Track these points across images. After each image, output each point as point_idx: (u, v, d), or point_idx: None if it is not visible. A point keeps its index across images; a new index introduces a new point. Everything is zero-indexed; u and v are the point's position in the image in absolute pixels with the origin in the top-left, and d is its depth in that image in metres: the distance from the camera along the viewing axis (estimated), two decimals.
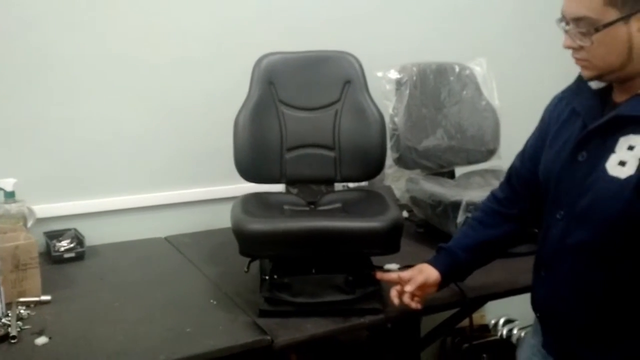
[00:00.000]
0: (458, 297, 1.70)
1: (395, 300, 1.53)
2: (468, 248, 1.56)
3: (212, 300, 1.67)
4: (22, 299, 1.62)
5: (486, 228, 1.56)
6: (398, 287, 1.53)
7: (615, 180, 1.22)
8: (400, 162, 2.22)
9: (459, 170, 2.36)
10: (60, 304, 1.63)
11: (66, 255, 1.92)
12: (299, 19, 2.31)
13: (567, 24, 1.26)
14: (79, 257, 1.94)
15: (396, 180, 2.24)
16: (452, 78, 2.30)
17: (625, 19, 1.19)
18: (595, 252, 1.28)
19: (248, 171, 1.87)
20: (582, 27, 1.22)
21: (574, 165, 1.31)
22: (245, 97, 1.89)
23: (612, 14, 1.19)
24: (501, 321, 2.83)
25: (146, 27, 2.11)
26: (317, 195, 1.89)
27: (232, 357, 1.46)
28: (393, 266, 1.83)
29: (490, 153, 2.35)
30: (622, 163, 1.22)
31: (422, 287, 1.52)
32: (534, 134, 1.52)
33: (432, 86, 2.27)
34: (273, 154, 1.87)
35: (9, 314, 1.53)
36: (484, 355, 2.61)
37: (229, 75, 2.15)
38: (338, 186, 1.99)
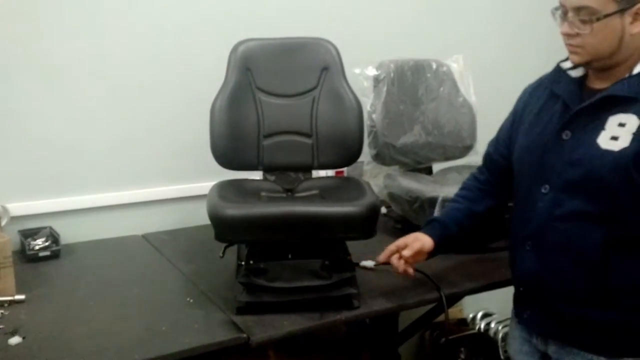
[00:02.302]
0: (434, 293, 1.71)
1: (399, 265, 1.62)
2: (458, 221, 1.67)
3: (188, 298, 1.66)
4: None
5: (471, 202, 1.69)
6: (396, 255, 1.63)
7: (608, 153, 1.36)
8: (378, 158, 2.23)
9: (437, 167, 2.38)
10: (35, 304, 1.62)
11: (41, 254, 1.90)
12: (278, 10, 2.29)
13: (566, 13, 1.38)
14: (54, 255, 1.92)
15: (374, 177, 2.25)
16: (429, 75, 2.31)
17: (621, 11, 1.33)
18: (592, 217, 1.39)
19: (225, 158, 1.85)
20: (583, 15, 1.35)
21: (559, 143, 1.44)
22: (222, 83, 1.88)
23: (612, 6, 1.33)
24: (479, 315, 2.86)
25: (120, 23, 2.09)
26: (294, 183, 1.88)
27: (208, 355, 1.45)
28: (369, 263, 1.84)
29: (467, 149, 2.37)
30: (614, 138, 1.36)
31: (417, 254, 1.63)
32: (507, 122, 1.66)
33: (409, 83, 2.28)
34: (250, 141, 1.86)
35: None
36: (462, 349, 2.63)
37: (204, 72, 2.13)
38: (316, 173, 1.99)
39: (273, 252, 1.59)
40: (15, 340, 1.43)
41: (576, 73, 1.48)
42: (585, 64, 1.43)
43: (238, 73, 1.88)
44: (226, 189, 1.70)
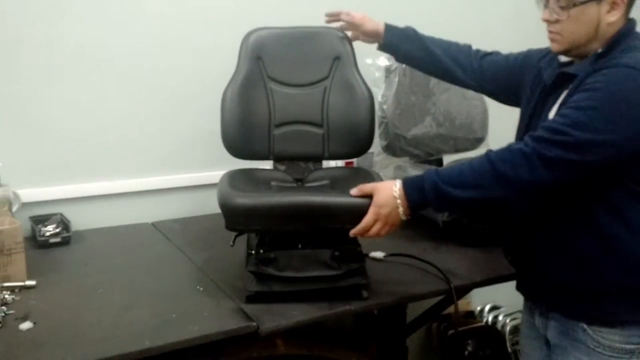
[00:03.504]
0: (443, 285, 1.71)
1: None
2: (421, 38, 1.80)
3: (198, 287, 1.67)
4: (6, 284, 1.61)
5: (443, 45, 1.80)
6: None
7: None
8: (389, 149, 2.22)
9: (447, 158, 2.36)
10: (45, 289, 1.63)
11: (52, 240, 1.91)
12: (286, 4, 2.28)
13: (547, 0, 1.44)
14: (65, 242, 1.93)
15: (384, 168, 2.25)
16: None
17: (598, 0, 1.38)
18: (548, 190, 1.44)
19: (235, 147, 1.85)
20: (562, 2, 1.41)
21: (533, 123, 1.52)
22: (233, 72, 1.87)
23: None
24: (487, 308, 2.86)
25: (130, 9, 2.08)
26: (304, 172, 1.88)
27: (218, 342, 1.46)
28: (378, 254, 1.84)
29: (478, 141, 2.35)
30: (558, 108, 1.43)
31: (359, 21, 1.81)
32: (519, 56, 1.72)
33: (421, 74, 2.25)
34: (261, 130, 1.86)
35: None
36: (470, 342, 2.63)
37: (216, 59, 2.12)
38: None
39: (283, 241, 1.59)
40: (26, 325, 1.44)
41: (564, 58, 1.52)
42: (564, 52, 1.48)
43: (249, 62, 1.87)
44: (237, 178, 1.70)
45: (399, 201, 1.45)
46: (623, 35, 1.42)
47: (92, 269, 1.78)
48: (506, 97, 1.75)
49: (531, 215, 1.51)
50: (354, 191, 1.51)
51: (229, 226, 1.58)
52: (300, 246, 1.59)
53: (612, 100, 1.33)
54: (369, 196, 1.48)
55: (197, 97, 2.18)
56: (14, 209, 1.92)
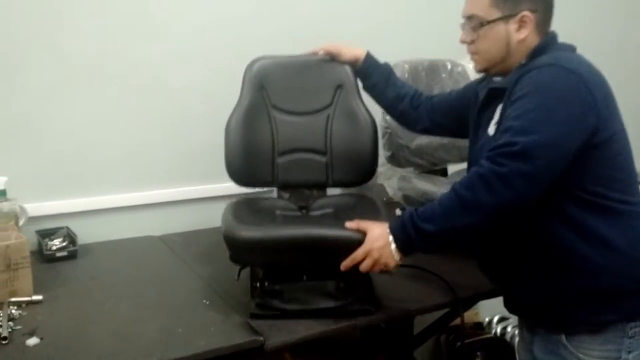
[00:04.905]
0: (450, 297, 1.70)
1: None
2: (385, 72, 1.89)
3: (204, 300, 1.66)
4: (13, 299, 1.61)
5: (399, 87, 1.89)
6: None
7: (489, 137, 1.48)
8: (393, 160, 2.22)
9: (452, 168, 2.35)
10: (52, 304, 1.63)
11: (58, 254, 1.92)
12: (292, 17, 2.31)
13: (464, 23, 1.55)
14: (71, 256, 1.93)
15: (388, 179, 2.24)
16: (444, 75, 2.30)
17: (504, 19, 1.48)
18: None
19: (240, 175, 1.87)
20: (472, 23, 1.52)
21: (475, 142, 1.58)
22: (237, 100, 1.88)
23: (495, 14, 1.48)
24: (495, 319, 2.84)
25: (140, 24, 2.10)
26: (308, 200, 1.89)
27: (224, 357, 1.46)
28: None
29: None
30: (495, 123, 1.48)
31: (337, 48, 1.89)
32: (460, 93, 1.80)
33: (424, 83, 2.26)
34: (265, 159, 1.87)
35: (0, 315, 1.53)
36: (478, 353, 2.61)
37: (222, 74, 2.14)
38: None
39: (288, 273, 1.58)
40: (33, 341, 1.44)
41: (498, 78, 1.57)
42: (485, 71, 1.57)
43: (253, 91, 1.88)
44: (241, 209, 1.70)
45: (391, 238, 1.45)
46: (543, 46, 1.47)
47: (99, 282, 1.78)
48: (458, 128, 1.77)
49: (494, 233, 1.49)
50: (349, 224, 1.52)
51: (234, 259, 1.59)
52: (305, 278, 1.58)
53: (542, 99, 1.35)
54: (364, 232, 1.49)
55: (203, 110, 2.19)
56: (21, 222, 1.93)
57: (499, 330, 2.80)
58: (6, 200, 1.89)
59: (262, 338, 1.47)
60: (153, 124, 2.17)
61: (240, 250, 1.56)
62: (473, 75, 2.31)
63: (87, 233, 2.06)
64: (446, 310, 2.06)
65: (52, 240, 1.97)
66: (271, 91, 1.89)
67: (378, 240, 1.46)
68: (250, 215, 1.67)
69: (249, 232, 1.54)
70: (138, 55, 2.11)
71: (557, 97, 1.35)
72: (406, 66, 2.23)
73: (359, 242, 1.48)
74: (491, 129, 1.50)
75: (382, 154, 2.19)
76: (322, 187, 1.90)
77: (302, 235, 1.54)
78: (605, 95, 1.40)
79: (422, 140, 2.23)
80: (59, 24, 1.99)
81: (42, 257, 1.91)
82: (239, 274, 1.63)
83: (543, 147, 1.31)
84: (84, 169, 2.09)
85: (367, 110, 1.90)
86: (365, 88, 1.92)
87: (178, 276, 1.85)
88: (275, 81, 1.90)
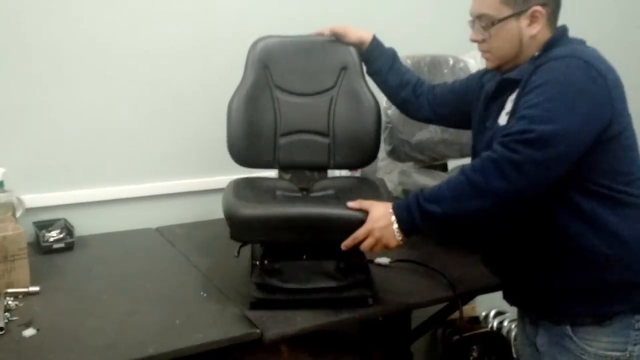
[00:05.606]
0: (448, 291, 1.70)
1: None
2: (390, 58, 1.87)
3: (202, 293, 1.66)
4: (10, 290, 1.61)
5: (403, 74, 1.87)
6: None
7: (501, 127, 1.47)
8: (393, 154, 2.21)
9: (452, 163, 2.35)
10: (49, 295, 1.62)
11: (55, 246, 1.91)
12: (294, 9, 2.30)
13: (473, 22, 1.53)
14: (69, 247, 1.93)
15: (388, 173, 2.24)
16: (446, 70, 2.29)
17: (515, 15, 1.46)
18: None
19: (241, 155, 1.84)
20: (483, 22, 1.50)
21: (483, 132, 1.55)
22: (240, 80, 1.86)
23: (506, 11, 1.46)
24: (492, 313, 2.85)
25: (139, 14, 2.09)
26: (310, 182, 1.87)
27: (222, 349, 1.45)
28: (384, 260, 1.83)
29: None
30: (507, 113, 1.47)
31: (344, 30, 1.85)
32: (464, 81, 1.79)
33: (426, 79, 2.25)
34: (267, 139, 1.85)
35: None
36: (474, 347, 2.62)
37: (222, 65, 2.13)
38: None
39: (288, 252, 1.58)
40: (29, 332, 1.43)
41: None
42: (497, 68, 1.55)
43: (256, 70, 1.86)
44: (242, 188, 1.70)
45: (393, 217, 1.44)
46: (556, 39, 1.47)
47: (96, 274, 1.78)
48: (459, 119, 1.76)
49: (500, 223, 1.50)
50: (351, 204, 1.51)
51: (234, 236, 1.58)
52: (305, 257, 1.58)
53: (561, 90, 1.34)
54: (367, 212, 1.48)
55: (203, 102, 2.18)
56: (18, 214, 1.92)
57: (495, 324, 2.80)
58: (3, 191, 1.88)
59: (259, 330, 1.46)
60: (152, 115, 2.16)
61: (240, 228, 1.54)
62: (475, 71, 2.31)
63: (85, 225, 2.05)
64: (444, 304, 2.07)
65: (50, 231, 1.96)
66: (275, 71, 1.86)
67: (380, 219, 1.45)
68: (251, 194, 1.67)
69: (249, 209, 1.54)
70: (136, 48, 2.10)
71: (576, 88, 1.35)
72: (408, 61, 2.22)
73: (360, 222, 1.48)
74: (502, 119, 1.49)
75: (383, 148, 2.18)
76: (323, 169, 1.89)
77: (304, 213, 1.53)
78: (620, 89, 1.40)
79: (423, 135, 2.23)
80: (57, 16, 1.98)
81: (39, 248, 1.91)
82: (238, 251, 1.63)
83: (560, 136, 1.31)
84: (81, 161, 2.08)
85: (371, 93, 1.88)
86: (369, 73, 1.90)
87: (176, 268, 1.85)
88: (279, 61, 1.87)
